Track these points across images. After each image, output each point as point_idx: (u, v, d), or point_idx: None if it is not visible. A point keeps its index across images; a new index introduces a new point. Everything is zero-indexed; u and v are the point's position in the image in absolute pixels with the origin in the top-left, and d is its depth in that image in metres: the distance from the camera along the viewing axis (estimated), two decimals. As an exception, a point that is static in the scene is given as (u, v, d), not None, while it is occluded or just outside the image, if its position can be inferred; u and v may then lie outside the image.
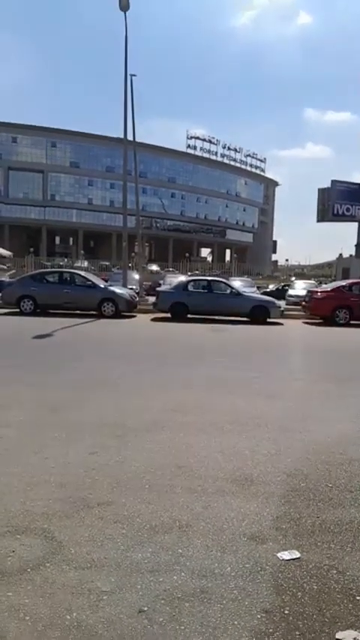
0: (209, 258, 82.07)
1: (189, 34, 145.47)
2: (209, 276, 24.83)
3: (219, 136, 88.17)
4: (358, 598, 2.17)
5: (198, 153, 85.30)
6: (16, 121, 71.86)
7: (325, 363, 9.23)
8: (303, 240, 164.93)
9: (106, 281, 20.86)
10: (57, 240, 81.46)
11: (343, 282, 17.98)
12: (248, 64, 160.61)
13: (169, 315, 15.83)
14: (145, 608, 2.04)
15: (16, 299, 15.95)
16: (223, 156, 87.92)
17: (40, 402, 5.34)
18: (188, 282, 17.22)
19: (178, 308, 15.70)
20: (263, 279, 43.42)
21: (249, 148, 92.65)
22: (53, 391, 5.92)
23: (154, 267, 48.25)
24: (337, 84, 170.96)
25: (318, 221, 39.82)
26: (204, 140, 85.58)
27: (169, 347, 10.73)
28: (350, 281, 18.24)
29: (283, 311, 16.66)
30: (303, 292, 20.48)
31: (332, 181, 37.84)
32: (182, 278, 20.56)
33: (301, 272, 63.40)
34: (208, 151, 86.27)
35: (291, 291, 25.16)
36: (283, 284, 32.57)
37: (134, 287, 20.59)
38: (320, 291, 16.81)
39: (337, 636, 1.92)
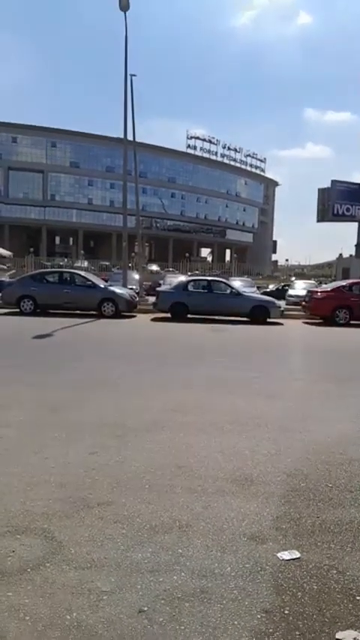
0: (209, 258, 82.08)
1: (189, 34, 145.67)
2: (209, 276, 24.84)
3: (219, 136, 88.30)
4: (358, 598, 2.17)
5: (198, 153, 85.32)
6: (16, 121, 71.97)
7: (325, 363, 9.23)
8: (303, 240, 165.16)
9: (106, 281, 20.87)
10: (57, 240, 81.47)
11: (343, 282, 17.98)
12: (248, 64, 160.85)
13: (169, 315, 15.83)
14: (145, 608, 2.04)
15: (16, 299, 15.95)
16: (223, 156, 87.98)
17: (40, 402, 5.34)
18: (188, 282, 17.22)
19: (178, 308, 15.70)
20: (263, 279, 43.42)
21: (249, 148, 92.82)
22: (53, 391, 5.92)
23: (154, 267, 48.27)
24: (337, 84, 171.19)
25: (318, 221, 39.86)
26: (204, 140, 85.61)
27: (169, 347, 10.74)
28: (350, 281, 18.24)
29: (283, 311, 16.66)
30: (303, 292, 20.48)
31: (332, 181, 37.86)
32: (182, 278, 20.56)
33: (301, 272, 63.39)
34: (208, 151, 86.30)
35: (291, 291, 25.17)
36: (283, 284, 32.57)
37: (134, 287, 20.59)
38: (320, 291, 16.81)
39: (337, 636, 1.92)
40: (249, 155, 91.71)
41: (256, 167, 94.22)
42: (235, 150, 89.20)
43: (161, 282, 24.66)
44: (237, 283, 20.39)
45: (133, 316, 16.37)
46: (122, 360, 8.43)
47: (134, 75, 21.33)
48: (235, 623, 1.97)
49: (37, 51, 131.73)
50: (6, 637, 1.87)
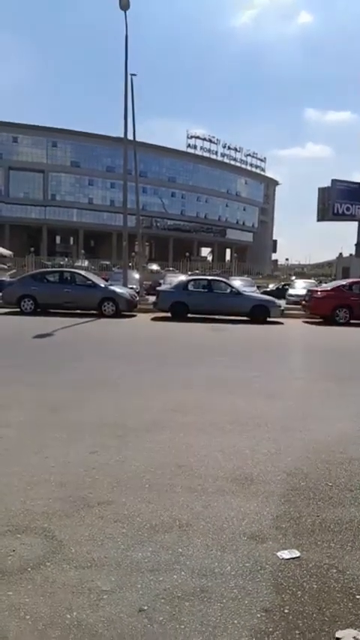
0: (209, 258, 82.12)
1: (189, 34, 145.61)
2: (209, 275, 24.86)
3: (219, 135, 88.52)
4: (358, 597, 2.17)
5: (198, 152, 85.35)
6: (16, 120, 72.01)
7: (325, 362, 9.23)
8: (303, 239, 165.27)
9: (107, 280, 20.90)
10: (57, 239, 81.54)
11: (343, 282, 17.98)
12: (248, 64, 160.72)
13: (169, 314, 15.83)
14: (145, 607, 2.05)
15: (16, 298, 15.96)
16: (223, 155, 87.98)
17: (40, 402, 5.35)
18: (188, 281, 17.23)
19: (179, 307, 15.70)
20: (263, 279, 43.46)
21: (249, 147, 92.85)
22: (53, 391, 5.92)
23: (155, 267, 48.31)
24: (337, 84, 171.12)
25: (318, 220, 39.90)
26: (204, 140, 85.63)
27: (169, 346, 10.74)
28: (350, 280, 18.26)
29: (283, 310, 16.65)
30: (303, 291, 20.48)
31: (332, 180, 37.89)
32: (182, 277, 20.59)
33: (301, 271, 63.44)
34: (209, 151, 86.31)
35: (291, 291, 25.17)
36: (283, 283, 32.60)
37: (134, 286, 20.61)
38: (320, 291, 16.81)
39: (336, 635, 1.92)
40: (249, 154, 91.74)
41: (257, 166, 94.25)
42: (236, 149, 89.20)
43: (161, 281, 24.67)
44: (237, 283, 20.40)
45: (134, 316, 16.37)
46: (122, 359, 8.43)
47: (134, 74, 21.39)
48: (235, 622, 1.98)
49: (37, 51, 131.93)
50: (7, 636, 1.87)
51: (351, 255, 39.35)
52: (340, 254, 43.56)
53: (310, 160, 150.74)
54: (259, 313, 15.57)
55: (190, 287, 16.54)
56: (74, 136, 76.03)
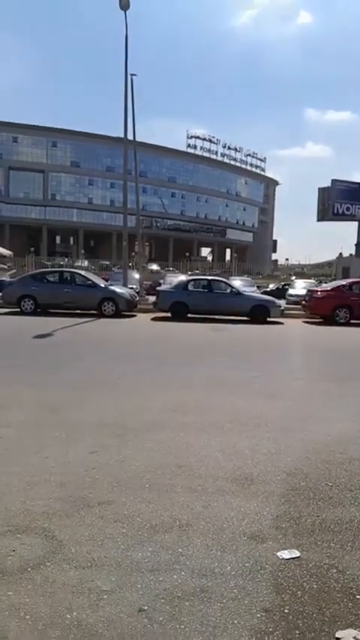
0: (209, 258, 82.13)
1: (189, 34, 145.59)
2: (209, 275, 24.86)
3: (219, 135, 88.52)
4: (358, 597, 2.17)
5: (198, 152, 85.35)
6: (16, 120, 72.01)
7: (325, 362, 9.23)
8: (303, 239, 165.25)
9: (107, 280, 20.89)
10: (57, 239, 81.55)
11: (343, 282, 17.98)
12: (248, 64, 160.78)
13: (169, 314, 15.83)
14: (145, 607, 2.05)
15: (16, 298, 15.97)
16: (223, 155, 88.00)
17: (40, 402, 5.35)
18: (188, 281, 17.23)
19: (179, 307, 15.70)
20: (263, 279, 43.46)
21: (249, 147, 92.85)
22: (53, 391, 5.92)
23: (155, 267, 48.36)
24: (337, 84, 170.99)
25: (318, 220, 39.88)
26: (204, 140, 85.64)
27: (169, 346, 10.74)
28: (350, 280, 18.25)
29: (283, 310, 16.66)
30: (303, 291, 20.48)
31: (332, 180, 37.88)
32: (182, 277, 20.59)
33: (301, 271, 63.45)
34: (209, 151, 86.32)
35: (291, 291, 25.17)
36: (283, 283, 32.59)
37: (134, 286, 20.62)
38: (320, 291, 16.81)
39: (336, 635, 1.92)
40: (249, 154, 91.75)
41: (257, 166, 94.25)
42: (235, 149, 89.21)
43: (161, 281, 24.68)
44: (237, 283, 20.41)
45: (134, 316, 16.37)
46: (122, 359, 8.43)
47: (134, 74, 21.39)
48: (235, 622, 1.98)
49: (37, 51, 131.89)
50: (7, 636, 1.87)
51: (351, 255, 39.34)
52: (340, 254, 43.59)
53: (310, 159, 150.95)
54: (259, 313, 15.57)
55: (190, 287, 16.55)
56: (74, 136, 76.04)
